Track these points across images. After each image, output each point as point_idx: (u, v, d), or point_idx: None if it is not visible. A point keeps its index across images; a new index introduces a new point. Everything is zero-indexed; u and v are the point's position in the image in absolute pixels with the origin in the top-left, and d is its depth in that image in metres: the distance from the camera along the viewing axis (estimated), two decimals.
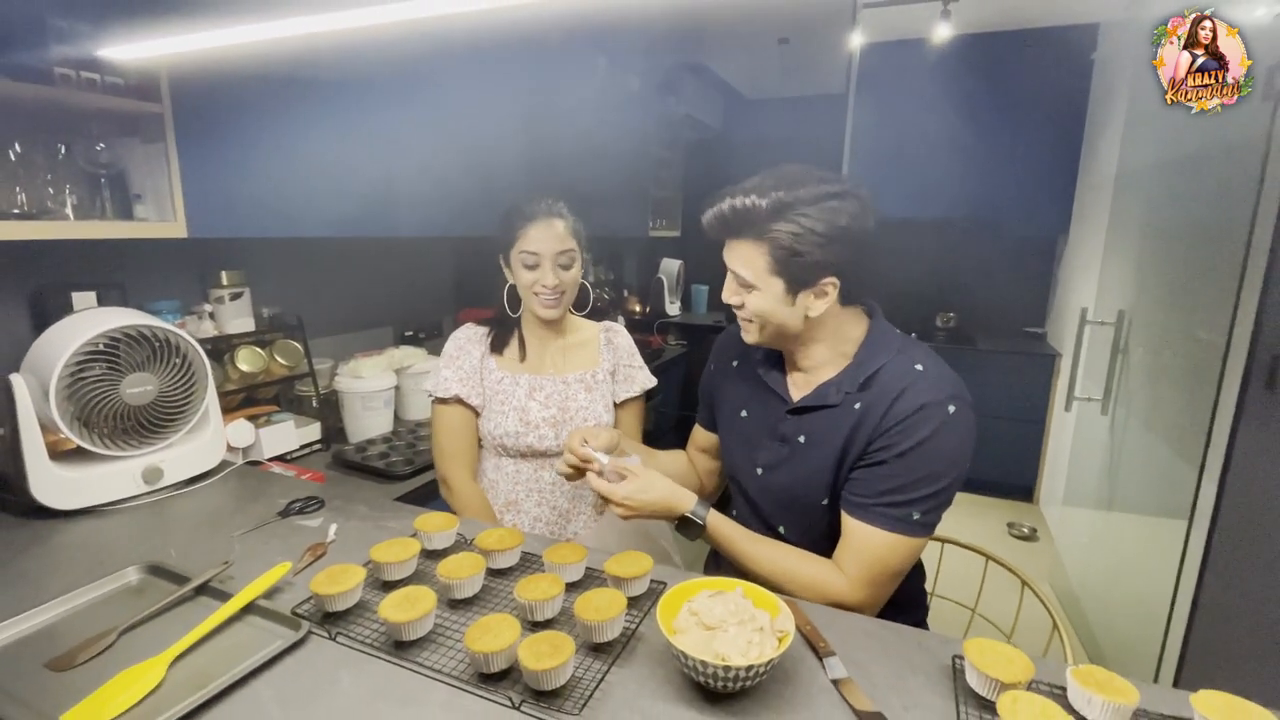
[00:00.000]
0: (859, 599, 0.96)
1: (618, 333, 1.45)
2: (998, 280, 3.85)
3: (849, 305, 1.02)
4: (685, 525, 1.03)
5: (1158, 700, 0.72)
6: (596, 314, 1.47)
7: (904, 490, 0.93)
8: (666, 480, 1.02)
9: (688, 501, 1.02)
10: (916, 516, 0.94)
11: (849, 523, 0.98)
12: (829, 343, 1.03)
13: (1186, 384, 1.70)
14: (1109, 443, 2.29)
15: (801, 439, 1.04)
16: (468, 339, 1.38)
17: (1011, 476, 3.51)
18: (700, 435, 1.32)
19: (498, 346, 1.37)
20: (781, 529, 1.09)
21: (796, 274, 0.94)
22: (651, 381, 1.45)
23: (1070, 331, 2.56)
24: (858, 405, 0.99)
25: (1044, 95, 3.28)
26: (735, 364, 1.20)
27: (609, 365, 1.41)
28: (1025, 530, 3.14)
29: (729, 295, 1.02)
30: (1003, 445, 3.42)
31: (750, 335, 1.05)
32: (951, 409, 0.93)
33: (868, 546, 0.95)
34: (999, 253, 3.79)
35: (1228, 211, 1.54)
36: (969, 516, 3.34)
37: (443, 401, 1.32)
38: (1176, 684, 1.56)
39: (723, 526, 1.03)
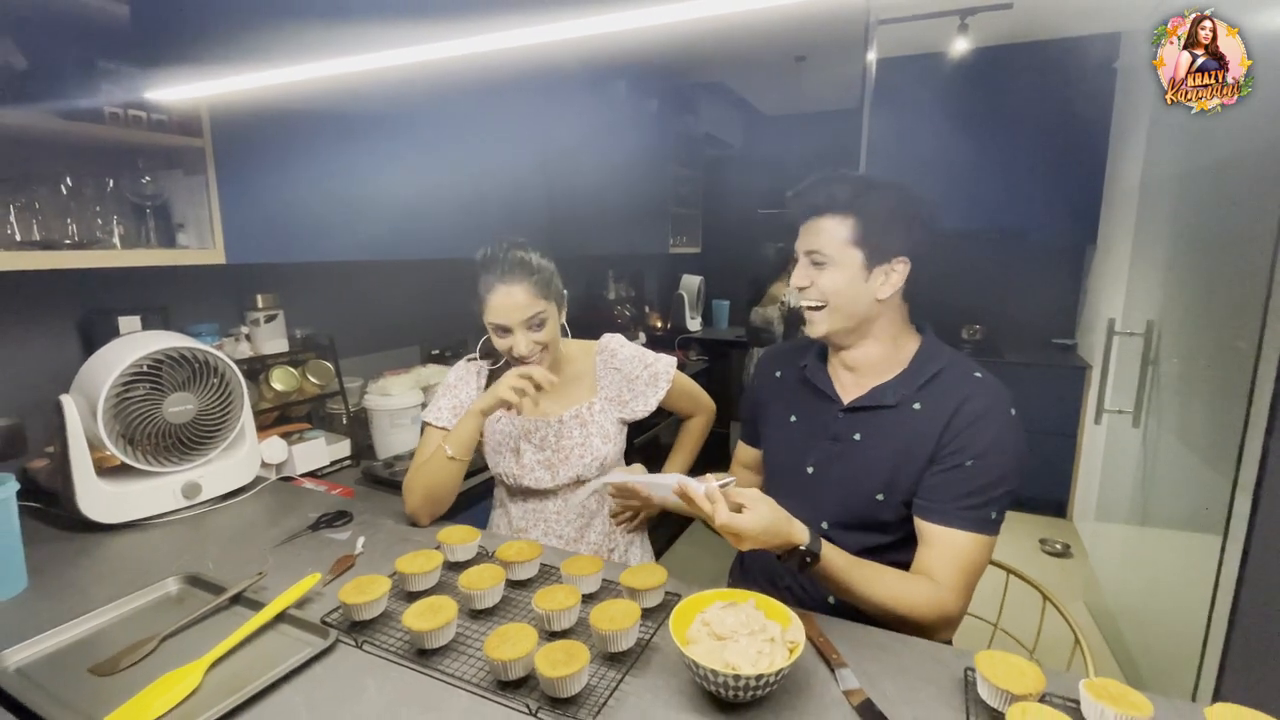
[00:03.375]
0: (960, 606, 0.97)
1: (614, 353, 1.37)
2: (1025, 292, 3.79)
3: (907, 302, 1.08)
4: (793, 557, 0.91)
5: (1171, 714, 0.71)
6: (618, 330, 1.48)
7: (982, 491, 0.98)
8: (781, 509, 0.92)
9: (803, 533, 0.92)
10: (994, 515, 0.99)
11: (932, 530, 0.99)
12: (885, 344, 1.08)
13: (1218, 394, 1.66)
14: (1141, 456, 2.24)
15: (857, 436, 1.08)
16: (469, 371, 1.37)
17: (1043, 491, 3.43)
18: (745, 452, 1.35)
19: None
20: (825, 525, 1.11)
21: (875, 246, 1.02)
22: (672, 365, 1.41)
23: (1100, 343, 2.51)
24: (917, 405, 1.04)
25: (1066, 105, 3.24)
26: (778, 374, 1.24)
27: (609, 391, 1.36)
28: (1058, 547, 3.07)
29: (799, 278, 1.08)
30: (1034, 459, 3.25)
31: (819, 326, 1.08)
32: (1012, 412, 1.02)
33: (957, 550, 0.97)
34: (1025, 264, 3.74)
35: (1254, 218, 1.52)
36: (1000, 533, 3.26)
37: (430, 425, 1.30)
38: (1215, 702, 1.51)
39: (835, 557, 0.93)
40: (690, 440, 1.52)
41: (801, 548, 0.90)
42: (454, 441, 1.21)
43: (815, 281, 1.05)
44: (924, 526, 1.01)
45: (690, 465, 1.50)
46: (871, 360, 1.09)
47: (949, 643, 0.93)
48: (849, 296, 1.04)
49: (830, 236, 1.03)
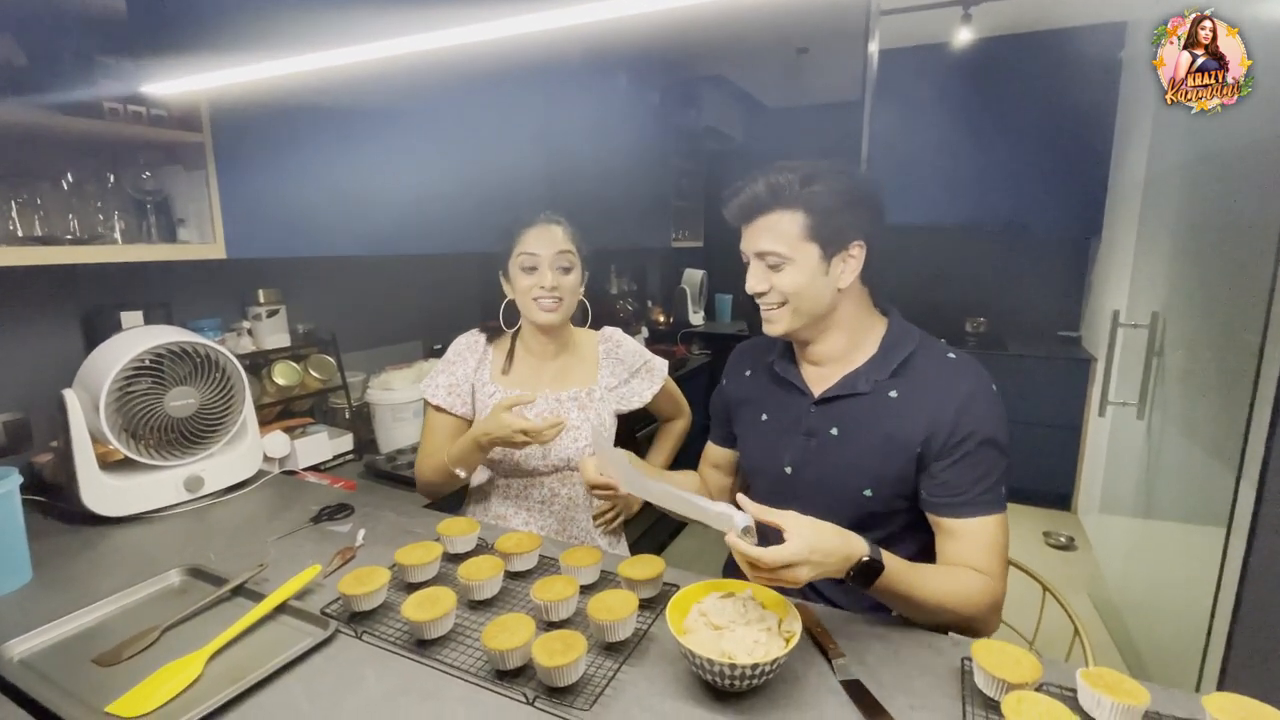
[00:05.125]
0: (1004, 589, 0.96)
1: (619, 344, 1.41)
2: (1029, 284, 3.78)
3: (867, 285, 1.06)
4: (860, 572, 0.82)
5: (1169, 702, 0.71)
6: (620, 326, 1.48)
7: (990, 474, 0.97)
8: (830, 524, 0.82)
9: (862, 543, 0.83)
10: (1003, 490, 0.99)
11: (956, 524, 0.97)
12: (849, 332, 1.06)
13: (1222, 386, 1.65)
14: (1145, 448, 2.23)
15: (834, 431, 1.05)
16: (467, 346, 1.38)
17: (1048, 484, 3.42)
18: (714, 452, 1.31)
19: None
20: None
21: (830, 235, 0.98)
22: (664, 366, 1.45)
23: (1105, 335, 2.50)
24: (893, 393, 1.02)
25: (1071, 96, 3.21)
26: (748, 373, 1.22)
27: (611, 379, 1.38)
28: (1062, 539, 3.06)
29: (755, 283, 1.03)
30: (1038, 452, 3.33)
31: (778, 325, 1.04)
32: (993, 387, 1.01)
33: (988, 536, 0.96)
34: (1029, 256, 3.73)
35: (1258, 210, 1.51)
36: None
37: (430, 405, 1.34)
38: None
39: (894, 562, 0.86)
40: (671, 440, 1.55)
41: (865, 559, 0.82)
42: (459, 463, 1.24)
43: (773, 284, 1.01)
44: (946, 522, 0.98)
45: (669, 464, 1.53)
46: (838, 350, 1.06)
47: (945, 633, 0.93)
48: (811, 294, 1.00)
49: (782, 233, 0.98)
